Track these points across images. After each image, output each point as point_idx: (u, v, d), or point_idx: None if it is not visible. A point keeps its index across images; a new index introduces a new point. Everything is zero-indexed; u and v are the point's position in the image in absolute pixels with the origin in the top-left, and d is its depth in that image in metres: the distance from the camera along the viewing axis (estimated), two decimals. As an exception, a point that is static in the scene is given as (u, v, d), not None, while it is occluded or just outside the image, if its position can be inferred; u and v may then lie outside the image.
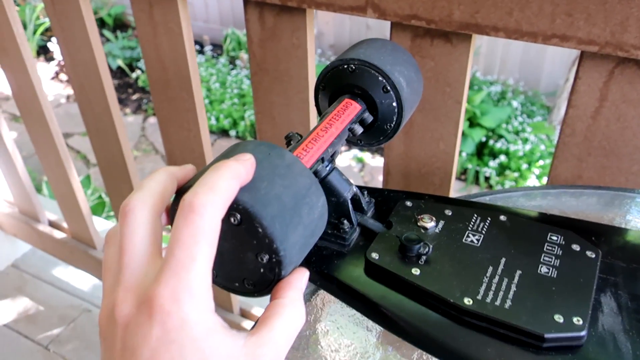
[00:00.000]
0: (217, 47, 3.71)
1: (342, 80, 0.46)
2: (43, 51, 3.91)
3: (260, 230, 0.30)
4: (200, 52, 3.61)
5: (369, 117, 0.45)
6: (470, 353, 0.34)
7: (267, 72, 0.70)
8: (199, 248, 0.27)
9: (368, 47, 0.46)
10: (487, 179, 2.59)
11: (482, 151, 2.66)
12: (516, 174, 2.50)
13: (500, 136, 2.66)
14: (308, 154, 0.39)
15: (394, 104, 0.45)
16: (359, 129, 0.45)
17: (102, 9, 4.00)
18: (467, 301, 0.36)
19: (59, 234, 1.33)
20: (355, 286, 0.39)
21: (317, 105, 0.49)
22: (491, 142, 2.63)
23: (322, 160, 0.40)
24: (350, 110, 0.44)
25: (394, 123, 0.46)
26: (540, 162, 2.53)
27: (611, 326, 0.35)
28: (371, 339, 0.38)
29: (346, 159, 2.82)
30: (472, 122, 2.67)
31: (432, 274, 0.38)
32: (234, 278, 0.34)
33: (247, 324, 1.09)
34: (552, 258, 0.39)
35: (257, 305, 1.14)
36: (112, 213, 2.13)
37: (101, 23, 4.06)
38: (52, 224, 1.36)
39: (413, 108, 0.48)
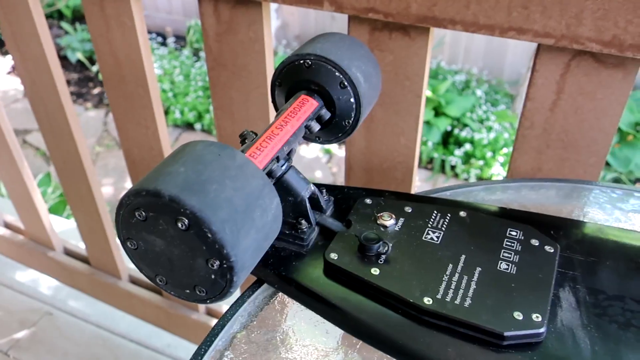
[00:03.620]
0: (181, 39, 3.64)
1: (298, 75, 0.44)
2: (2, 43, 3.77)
3: (209, 235, 0.29)
4: (163, 44, 3.54)
5: (326, 114, 0.44)
6: (431, 354, 0.34)
7: (225, 67, 0.68)
8: None
9: (325, 42, 0.45)
10: (453, 167, 2.62)
11: (448, 140, 2.68)
12: (481, 162, 2.53)
13: (465, 125, 2.68)
14: (262, 154, 0.38)
15: (352, 99, 0.44)
16: (316, 126, 0.43)
17: (60, 0, 3.87)
18: (427, 300, 0.35)
19: (16, 236, 1.28)
20: (315, 288, 0.38)
21: (273, 101, 0.48)
22: (456, 131, 2.66)
23: (277, 159, 0.39)
24: (306, 106, 0.43)
25: (352, 119, 0.45)
26: (504, 150, 2.56)
27: (570, 321, 0.35)
28: (331, 342, 0.38)
29: (314, 150, 2.81)
30: (438, 111, 2.69)
31: (391, 274, 0.37)
32: (185, 285, 0.32)
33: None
34: (511, 254, 0.38)
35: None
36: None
37: (59, 15, 3.94)
38: (9, 226, 1.32)
39: (372, 104, 0.47)
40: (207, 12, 0.65)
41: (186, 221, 0.29)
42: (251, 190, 0.31)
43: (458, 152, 2.60)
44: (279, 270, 0.40)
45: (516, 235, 0.40)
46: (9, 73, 3.56)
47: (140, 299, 1.13)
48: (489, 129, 2.66)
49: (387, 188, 0.67)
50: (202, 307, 1.08)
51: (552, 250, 0.39)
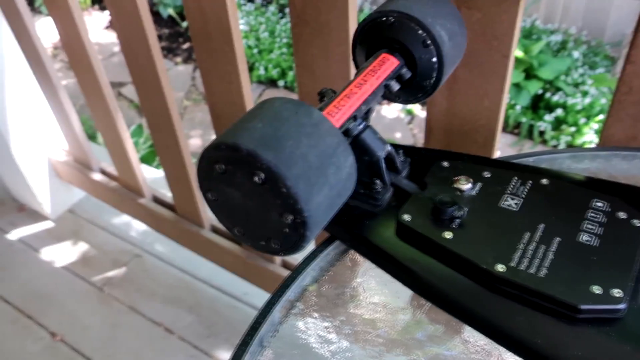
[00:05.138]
0: (268, -5, 3.66)
1: (380, 33, 0.44)
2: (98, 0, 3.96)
3: (284, 190, 0.30)
4: (250, 0, 3.56)
5: (407, 73, 0.43)
6: (500, 321, 0.34)
7: (307, 24, 0.68)
8: None
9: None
10: (541, 133, 2.49)
11: (538, 104, 2.55)
12: (573, 129, 2.39)
13: (559, 89, 2.53)
14: (339, 112, 0.38)
15: (434, 59, 0.42)
16: (395, 86, 0.43)
17: (153, -44, 3.98)
18: (500, 268, 0.35)
19: (110, 182, 1.37)
20: (386, 248, 0.39)
21: (354, 59, 0.47)
22: (548, 94, 2.51)
23: (355, 118, 0.39)
24: (387, 65, 0.42)
25: (433, 79, 0.44)
26: (600, 117, 2.40)
27: (652, 299, 0.33)
28: (400, 302, 0.38)
29: (395, 110, 2.77)
30: (529, 73, 2.55)
31: (464, 238, 0.37)
32: (260, 236, 0.34)
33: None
34: (595, 226, 0.37)
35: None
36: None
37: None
38: (104, 173, 1.41)
39: (455, 64, 0.45)
40: (291, -31, 0.65)
41: (262, 175, 0.30)
42: (326, 148, 0.31)
43: (548, 117, 2.47)
44: (351, 229, 0.40)
45: (602, 207, 0.38)
46: (106, 28, 3.74)
47: (220, 247, 1.19)
48: (585, 93, 2.49)
49: (468, 152, 0.65)
50: (277, 258, 1.12)
51: (639, 225, 0.36)
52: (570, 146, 2.39)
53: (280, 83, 2.95)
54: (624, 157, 0.48)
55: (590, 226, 0.37)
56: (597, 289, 0.33)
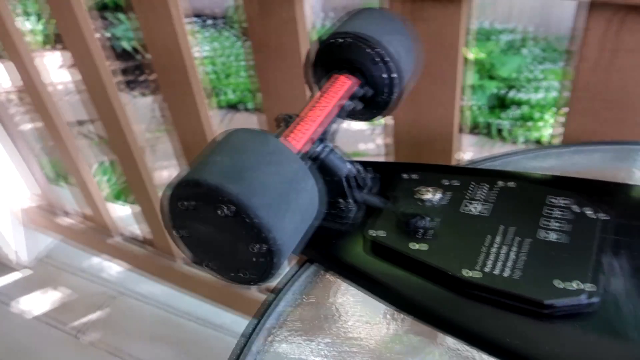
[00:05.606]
0: (222, 20, 3.67)
1: (333, 55, 0.45)
2: (59, 39, 3.91)
3: (250, 220, 0.30)
4: (205, 26, 3.57)
5: (368, 92, 0.44)
6: (474, 325, 0.34)
7: (265, 48, 0.68)
8: None
9: (358, 19, 0.45)
10: (501, 131, 2.55)
11: (499, 103, 2.61)
12: (531, 124, 2.46)
13: (517, 86, 2.60)
14: (298, 137, 0.38)
15: (389, 75, 0.44)
16: (353, 105, 0.44)
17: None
18: (467, 273, 0.35)
19: (79, 223, 1.35)
20: (357, 265, 0.39)
21: (310, 81, 0.48)
22: (507, 92, 2.58)
23: (314, 141, 0.40)
24: (342, 86, 0.43)
25: (394, 95, 0.45)
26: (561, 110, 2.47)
27: (615, 288, 0.34)
28: (378, 315, 0.39)
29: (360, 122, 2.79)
30: (488, 73, 2.61)
31: (432, 248, 0.38)
32: (231, 268, 0.34)
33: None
34: (553, 222, 0.38)
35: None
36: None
37: (106, 6, 4.03)
38: (73, 214, 1.38)
39: (415, 76, 0.46)
40: (246, -4, 0.65)
41: (228, 208, 0.30)
42: (286, 174, 0.32)
43: (510, 114, 2.53)
44: (322, 249, 0.41)
45: (558, 203, 0.39)
46: (60, 67, 3.69)
47: (197, 279, 1.18)
48: (544, 88, 2.56)
49: (432, 159, 0.66)
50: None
51: (595, 217, 0.38)
52: (538, 141, 2.44)
53: (246, 106, 2.95)
54: (584, 151, 0.50)
55: (550, 223, 0.38)
56: (558, 284, 0.34)
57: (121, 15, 3.82)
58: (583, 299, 0.33)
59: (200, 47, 3.31)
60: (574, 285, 0.33)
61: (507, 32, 2.88)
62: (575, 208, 0.39)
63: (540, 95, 2.50)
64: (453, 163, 0.66)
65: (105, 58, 0.89)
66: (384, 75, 0.44)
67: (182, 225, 0.33)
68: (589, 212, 0.38)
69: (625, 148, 0.48)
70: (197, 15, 3.72)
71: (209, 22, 3.61)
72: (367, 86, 0.44)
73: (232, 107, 3.00)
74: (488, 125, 2.55)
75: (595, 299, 0.33)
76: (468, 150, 2.48)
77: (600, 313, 0.33)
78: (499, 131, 2.55)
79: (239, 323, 1.28)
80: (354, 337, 0.38)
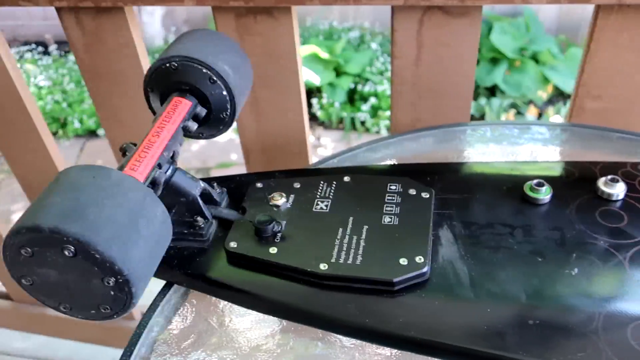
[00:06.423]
0: (64, 44, 3.45)
1: (168, 78, 0.45)
2: None
3: (97, 256, 0.30)
4: (46, 52, 3.34)
5: (202, 111, 0.45)
6: (335, 313, 0.37)
7: (102, 77, 0.67)
8: None
9: (188, 41, 0.46)
10: (363, 123, 2.68)
11: (354, 97, 2.74)
12: (389, 113, 2.62)
13: (367, 79, 2.74)
14: (141, 165, 0.39)
15: (224, 92, 0.45)
16: (194, 125, 0.45)
17: None
18: (323, 266, 0.38)
19: None
20: (220, 278, 0.41)
21: (151, 107, 0.48)
22: (360, 87, 2.72)
23: (160, 166, 0.40)
24: (180, 108, 0.44)
25: (229, 111, 0.46)
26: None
27: (450, 256, 0.39)
28: (246, 323, 0.40)
29: (227, 133, 2.79)
30: (338, 71, 2.73)
31: (288, 249, 0.40)
32: (89, 306, 0.34)
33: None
34: (393, 207, 0.42)
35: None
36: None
37: None
38: None
39: (246, 91, 0.48)
40: (70, 26, 0.63)
41: (72, 248, 0.30)
42: (132, 204, 0.32)
43: (365, 107, 2.66)
44: (184, 269, 0.41)
45: (395, 189, 0.44)
46: None
47: (71, 321, 1.11)
48: (387, 79, 2.74)
49: (286, 163, 0.69)
50: (136, 314, 1.08)
51: (427, 196, 0.43)
52: (389, 128, 2.59)
53: (101, 132, 2.81)
54: (411, 139, 0.55)
55: (389, 208, 0.42)
56: (403, 261, 0.38)
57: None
58: (424, 270, 0.37)
59: (44, 75, 3.09)
60: (417, 259, 0.37)
61: (347, 30, 3.03)
62: (412, 191, 0.43)
63: (386, 86, 2.67)
64: (311, 163, 0.70)
65: None
66: (224, 93, 0.45)
67: (30, 272, 0.32)
68: (423, 193, 0.43)
69: (449, 130, 0.54)
70: (38, 43, 3.47)
71: (52, 47, 3.39)
72: (202, 105, 0.45)
73: (92, 133, 2.85)
74: (352, 120, 2.67)
75: (428, 269, 0.37)
76: (334, 146, 2.57)
77: (433, 279, 0.37)
78: (362, 123, 2.68)
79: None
80: (231, 346, 0.39)
